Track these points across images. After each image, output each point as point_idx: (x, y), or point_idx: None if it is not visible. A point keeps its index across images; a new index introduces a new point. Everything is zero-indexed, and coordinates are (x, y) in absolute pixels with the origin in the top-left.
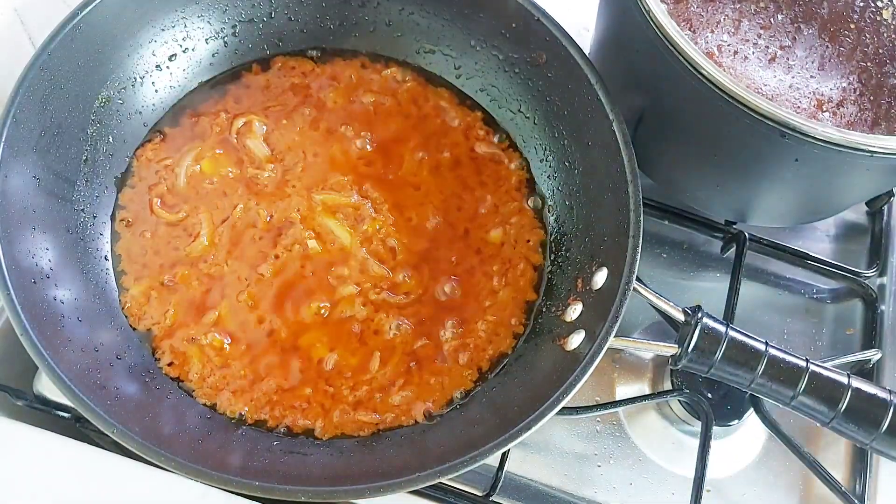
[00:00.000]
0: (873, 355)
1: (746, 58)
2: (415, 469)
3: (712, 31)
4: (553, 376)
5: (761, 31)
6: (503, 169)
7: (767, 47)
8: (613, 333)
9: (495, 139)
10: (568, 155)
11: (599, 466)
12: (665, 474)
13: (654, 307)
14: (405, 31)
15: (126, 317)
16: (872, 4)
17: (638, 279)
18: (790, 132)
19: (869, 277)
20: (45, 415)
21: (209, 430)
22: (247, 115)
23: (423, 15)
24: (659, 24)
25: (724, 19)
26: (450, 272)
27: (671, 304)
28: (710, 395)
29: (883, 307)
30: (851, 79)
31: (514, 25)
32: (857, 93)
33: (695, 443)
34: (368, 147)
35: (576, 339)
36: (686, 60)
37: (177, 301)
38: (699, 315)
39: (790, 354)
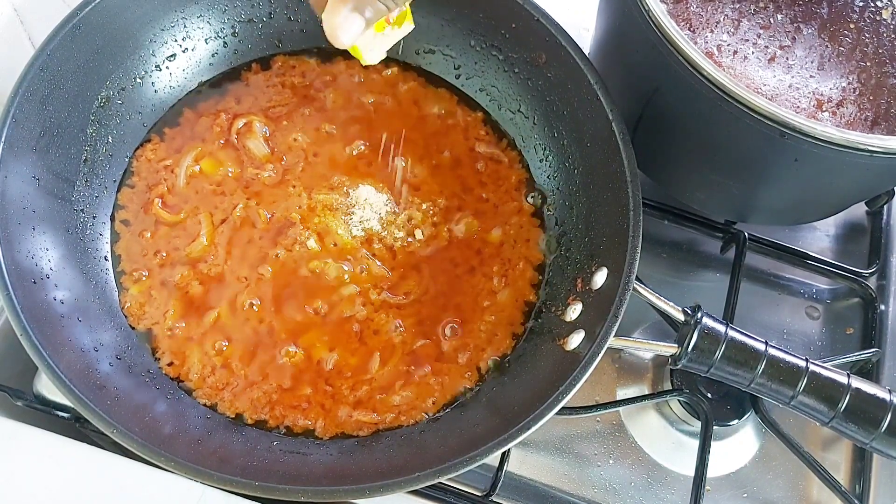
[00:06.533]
0: (873, 355)
1: (746, 58)
2: (415, 469)
3: (712, 31)
4: (553, 376)
5: (761, 31)
6: (503, 169)
7: (767, 47)
8: (613, 333)
9: (495, 139)
10: (568, 155)
11: (599, 466)
12: (665, 474)
13: (653, 307)
14: None
15: (126, 317)
16: (872, 4)
17: (638, 279)
18: (790, 132)
19: (869, 277)
20: (44, 415)
21: (209, 430)
22: (247, 115)
23: (423, 15)
24: (659, 24)
25: (724, 19)
26: (450, 272)
27: (671, 304)
28: (709, 395)
29: (883, 307)
30: (851, 79)
31: (514, 25)
32: (857, 93)
33: (695, 442)
34: (368, 147)
35: (575, 339)
36: (686, 60)
37: (177, 301)
38: (699, 315)
39: (790, 354)
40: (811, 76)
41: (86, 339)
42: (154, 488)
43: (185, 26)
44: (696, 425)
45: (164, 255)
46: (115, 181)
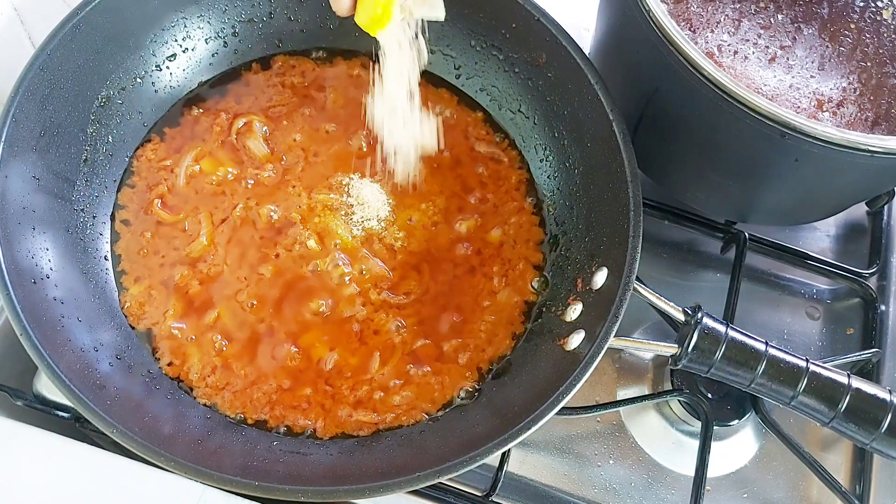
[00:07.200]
0: (873, 355)
1: (746, 58)
2: (415, 469)
3: (712, 31)
4: (553, 376)
5: (761, 31)
6: (503, 169)
7: (767, 47)
8: (613, 333)
9: (495, 139)
10: (568, 155)
11: (599, 466)
12: (665, 474)
13: (654, 307)
14: None
15: (126, 317)
16: (872, 4)
17: (638, 279)
18: (790, 132)
19: (869, 278)
20: (44, 415)
21: (209, 430)
22: (247, 115)
23: None
24: (659, 24)
25: (724, 19)
26: (450, 272)
27: (671, 304)
28: (710, 395)
29: (883, 307)
30: (851, 79)
31: (514, 25)
32: (857, 93)
33: (695, 443)
34: (368, 147)
35: (576, 339)
36: (686, 60)
37: (176, 301)
38: (699, 315)
39: (790, 354)
40: (812, 76)
41: (86, 339)
42: (154, 488)
43: (185, 26)
44: (697, 425)
45: (165, 254)
46: (115, 181)
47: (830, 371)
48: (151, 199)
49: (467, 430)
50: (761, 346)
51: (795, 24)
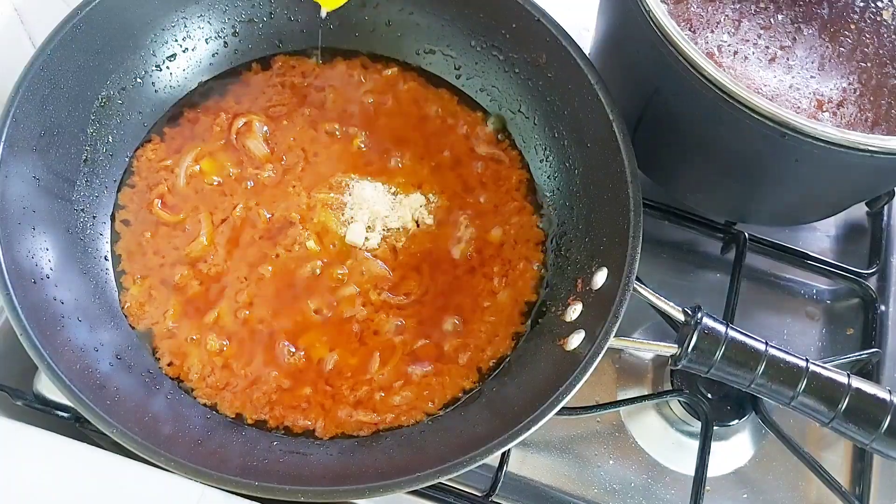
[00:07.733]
0: (873, 356)
1: (746, 58)
2: (415, 469)
3: (712, 32)
4: (553, 376)
5: (761, 32)
6: (503, 169)
7: (767, 47)
8: (613, 333)
9: (496, 139)
10: (568, 155)
11: (599, 466)
12: (665, 474)
13: (654, 307)
14: (405, 32)
15: (126, 317)
16: (872, 4)
17: (638, 279)
18: (790, 132)
19: (869, 278)
20: (44, 415)
21: (209, 430)
22: (247, 115)
23: (423, 15)
24: (659, 24)
25: (724, 19)
26: (450, 273)
27: (671, 304)
28: (709, 395)
29: (883, 307)
30: (851, 79)
31: (514, 25)
32: (857, 93)
33: (695, 443)
34: (368, 147)
35: (576, 339)
36: (686, 61)
37: (177, 301)
38: (699, 315)
39: (790, 354)
40: (812, 77)
41: (86, 339)
42: (154, 488)
43: (185, 26)
44: (697, 425)
45: (165, 254)
46: (115, 181)
47: (830, 371)
48: (151, 199)
49: (467, 430)
50: (761, 347)
51: (795, 25)
